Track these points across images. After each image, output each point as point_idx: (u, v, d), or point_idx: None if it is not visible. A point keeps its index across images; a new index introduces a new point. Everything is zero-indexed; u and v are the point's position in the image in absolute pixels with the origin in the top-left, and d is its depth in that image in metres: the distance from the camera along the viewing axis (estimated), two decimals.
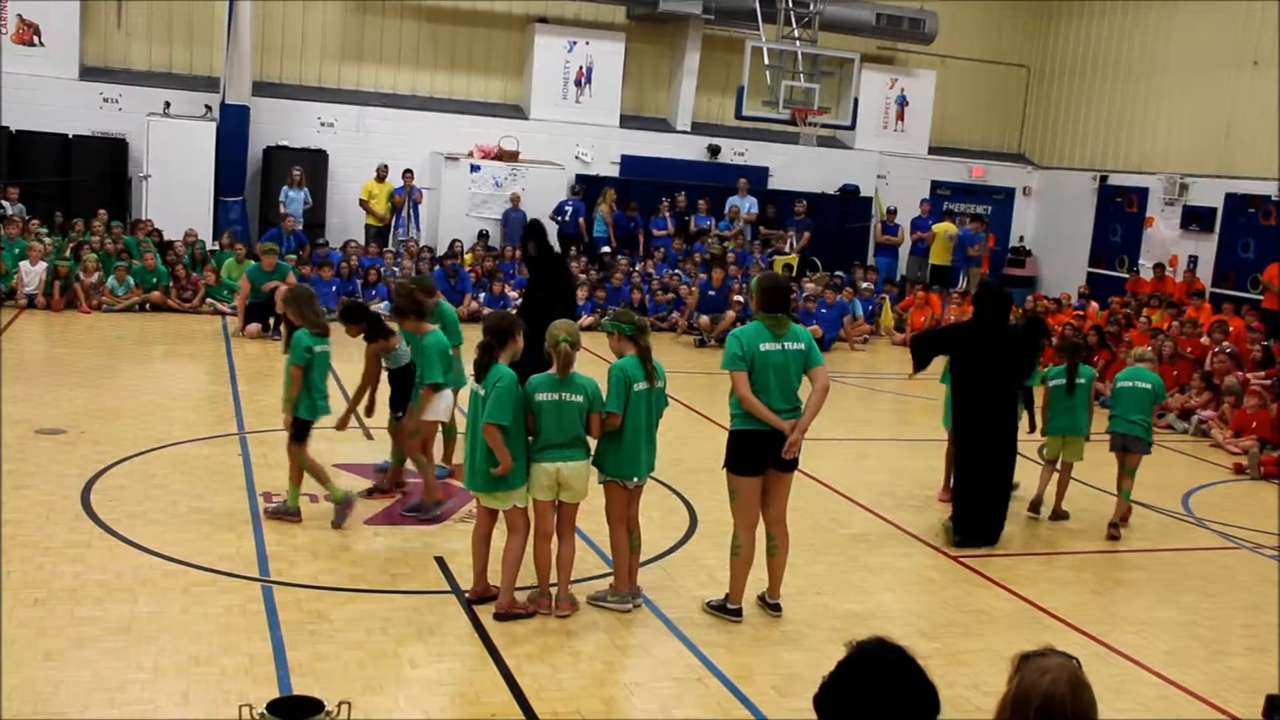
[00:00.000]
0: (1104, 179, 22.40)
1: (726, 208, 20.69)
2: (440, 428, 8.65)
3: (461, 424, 8.23)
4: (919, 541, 8.68)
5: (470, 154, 19.95)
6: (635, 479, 6.73)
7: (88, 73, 19.04)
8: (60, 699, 5.30)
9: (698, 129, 22.15)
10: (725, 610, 6.86)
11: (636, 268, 18.80)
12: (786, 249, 19.96)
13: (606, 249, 19.59)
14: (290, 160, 18.96)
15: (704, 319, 16.95)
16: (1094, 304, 18.72)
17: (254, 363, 13.31)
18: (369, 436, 8.84)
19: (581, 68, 21.15)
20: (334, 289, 16.23)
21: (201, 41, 19.72)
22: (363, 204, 18.99)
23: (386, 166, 19.06)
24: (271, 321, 14.90)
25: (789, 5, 20.44)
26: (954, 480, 8.96)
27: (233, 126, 18.48)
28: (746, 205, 20.79)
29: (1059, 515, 9.51)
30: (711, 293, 17.21)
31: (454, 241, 18.73)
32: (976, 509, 8.60)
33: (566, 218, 19.68)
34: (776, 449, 6.62)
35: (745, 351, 6.60)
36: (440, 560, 7.40)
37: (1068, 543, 9.05)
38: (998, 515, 8.70)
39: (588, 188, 20.25)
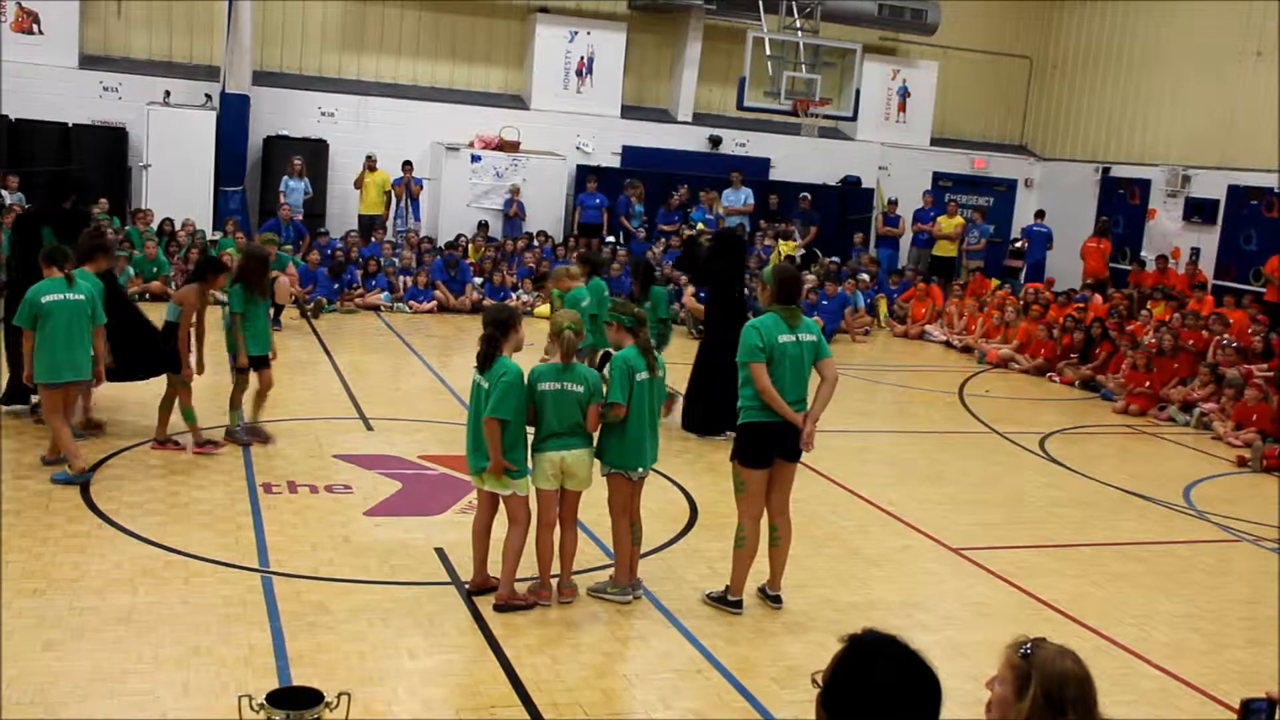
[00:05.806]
0: (1106, 170, 22.36)
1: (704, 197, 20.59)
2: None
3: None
4: (919, 533, 8.68)
5: (471, 144, 19.92)
6: (640, 469, 6.71)
7: (87, 61, 18.99)
8: (59, 689, 5.29)
9: (699, 120, 22.10)
10: (726, 602, 6.85)
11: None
12: (794, 237, 19.83)
13: (610, 238, 19.53)
14: (290, 150, 18.93)
15: (692, 301, 16.88)
16: (1097, 295, 18.68)
17: None
18: None
19: (582, 58, 21.09)
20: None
21: (202, 30, 19.69)
22: (357, 185, 18.94)
23: (371, 157, 18.93)
24: (271, 312, 14.87)
25: None
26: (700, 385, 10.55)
27: (233, 116, 18.45)
28: (741, 198, 20.67)
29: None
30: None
31: (459, 236, 18.70)
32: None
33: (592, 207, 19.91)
34: (786, 440, 6.62)
35: (765, 343, 6.57)
36: (440, 551, 7.40)
37: (1068, 535, 9.05)
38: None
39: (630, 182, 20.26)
